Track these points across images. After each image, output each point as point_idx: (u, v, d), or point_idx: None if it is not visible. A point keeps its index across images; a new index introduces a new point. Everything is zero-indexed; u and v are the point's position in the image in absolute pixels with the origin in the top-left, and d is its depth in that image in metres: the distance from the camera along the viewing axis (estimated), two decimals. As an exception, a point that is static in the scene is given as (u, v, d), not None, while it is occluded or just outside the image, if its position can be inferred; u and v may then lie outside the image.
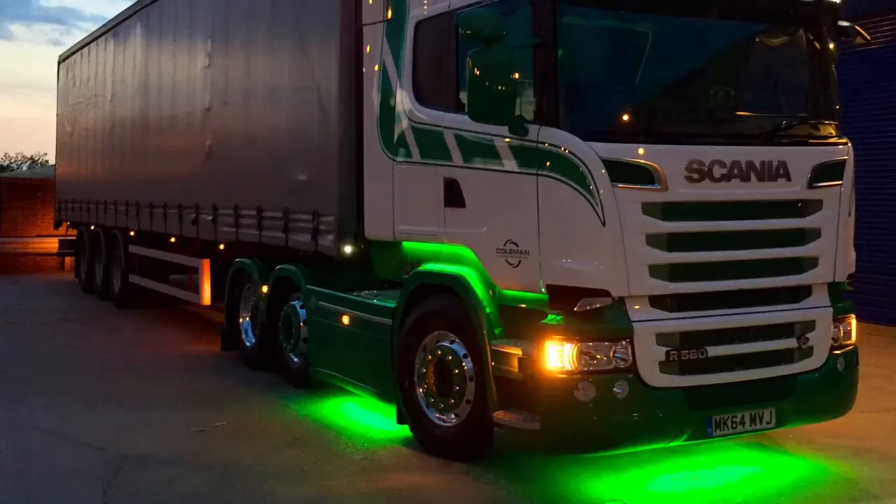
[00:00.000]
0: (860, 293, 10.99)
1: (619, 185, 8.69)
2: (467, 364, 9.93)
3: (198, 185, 17.17)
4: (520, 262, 9.23)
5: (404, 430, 10.85)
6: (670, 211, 8.93)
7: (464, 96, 9.57)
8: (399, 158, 10.90)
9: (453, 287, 9.95)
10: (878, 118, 18.39)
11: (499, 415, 9.30)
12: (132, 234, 21.58)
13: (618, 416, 8.86)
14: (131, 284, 21.85)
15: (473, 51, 8.99)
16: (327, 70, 12.59)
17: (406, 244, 11.19)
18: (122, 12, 23.10)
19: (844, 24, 10.25)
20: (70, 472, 9.86)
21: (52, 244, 31.10)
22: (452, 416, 10.19)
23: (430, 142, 10.37)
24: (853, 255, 10.19)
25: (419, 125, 10.58)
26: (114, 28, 23.53)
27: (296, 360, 13.65)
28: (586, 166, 8.65)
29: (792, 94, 10.68)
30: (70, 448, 10.75)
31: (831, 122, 10.16)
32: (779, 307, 9.61)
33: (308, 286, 13.02)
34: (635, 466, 9.80)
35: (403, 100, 10.83)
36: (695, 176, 8.99)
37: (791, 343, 9.61)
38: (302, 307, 13.35)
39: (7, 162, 75.56)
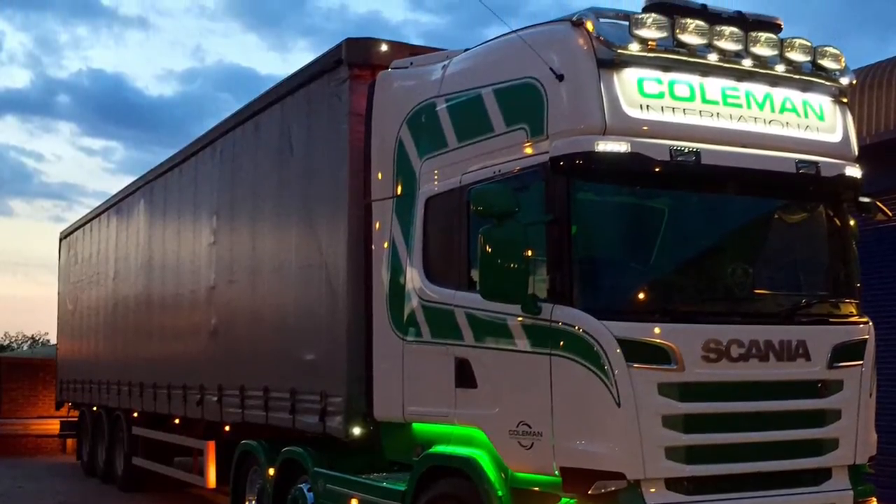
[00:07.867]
0: (881, 476, 10.74)
1: (635, 366, 8.53)
2: (479, 549, 9.63)
3: (202, 365, 16.99)
4: (533, 443, 9.03)
5: None
6: (687, 392, 8.75)
7: (475, 274, 9.47)
8: (409, 338, 10.75)
9: (464, 470, 9.71)
10: (901, 296, 18.23)
11: None
12: (135, 415, 21.39)
13: None
14: (135, 467, 21.56)
15: (485, 227, 8.91)
16: (335, 247, 12.49)
17: (416, 425, 10.97)
18: (125, 188, 23.36)
19: (865, 199, 10.23)
20: None
21: (53, 425, 30.88)
22: None
23: (441, 321, 10.23)
24: (874, 436, 9.98)
25: (429, 304, 10.45)
26: (116, 204, 23.71)
27: (302, 543, 13.29)
28: (601, 346, 8.52)
29: (811, 272, 10.60)
30: None
31: (852, 301, 10.07)
32: (798, 490, 9.37)
33: (316, 469, 12.73)
34: None
35: (413, 277, 10.72)
36: (712, 356, 8.84)
37: (812, 526, 9.36)
38: (309, 490, 13.00)
39: (7, 341, 75.43)
